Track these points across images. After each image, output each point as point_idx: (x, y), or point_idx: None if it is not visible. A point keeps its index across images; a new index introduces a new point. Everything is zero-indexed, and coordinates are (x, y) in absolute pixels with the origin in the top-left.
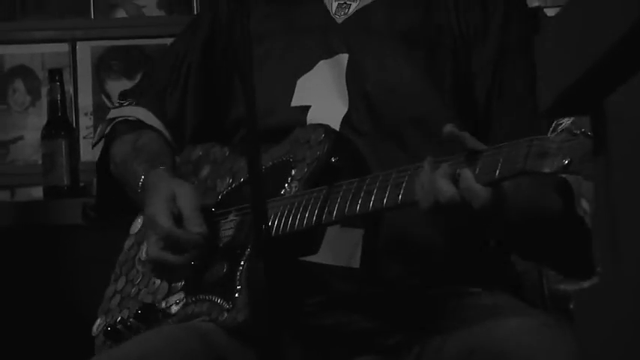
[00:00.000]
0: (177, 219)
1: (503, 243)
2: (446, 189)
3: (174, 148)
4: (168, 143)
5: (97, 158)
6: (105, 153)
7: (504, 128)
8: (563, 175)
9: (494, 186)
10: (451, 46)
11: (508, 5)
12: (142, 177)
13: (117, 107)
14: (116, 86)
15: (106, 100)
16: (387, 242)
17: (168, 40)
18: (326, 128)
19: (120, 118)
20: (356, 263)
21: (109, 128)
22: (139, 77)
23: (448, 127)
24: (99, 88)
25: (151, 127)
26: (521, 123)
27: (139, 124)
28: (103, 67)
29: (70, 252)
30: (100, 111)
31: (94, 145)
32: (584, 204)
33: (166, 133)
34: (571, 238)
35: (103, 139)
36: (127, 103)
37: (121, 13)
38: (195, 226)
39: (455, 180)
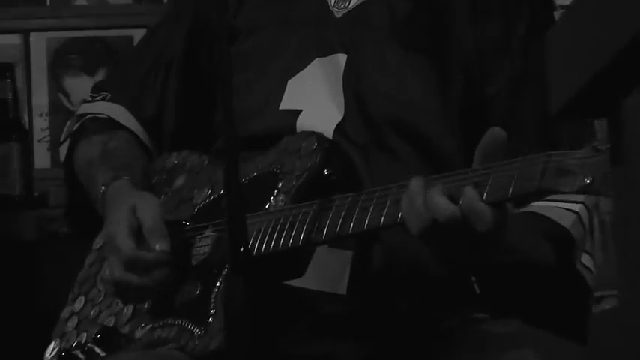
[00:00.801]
0: (138, 233)
1: (485, 289)
2: (445, 206)
3: (151, 151)
4: (142, 146)
5: (62, 158)
6: (71, 153)
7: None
8: (569, 228)
9: (502, 206)
10: (462, 60)
11: (533, 20)
12: (103, 188)
13: (89, 102)
14: (75, 83)
15: (63, 98)
16: (379, 266)
17: (136, 32)
18: (319, 137)
19: (90, 116)
20: (342, 289)
21: (77, 125)
22: (101, 74)
23: (495, 130)
24: (56, 85)
25: (124, 128)
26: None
27: (111, 124)
28: (60, 62)
29: (23, 270)
30: (56, 111)
31: (60, 144)
32: (587, 260)
33: (143, 133)
34: (561, 293)
35: (69, 139)
36: (101, 97)
37: (81, 1)
38: (157, 240)
39: (454, 199)
